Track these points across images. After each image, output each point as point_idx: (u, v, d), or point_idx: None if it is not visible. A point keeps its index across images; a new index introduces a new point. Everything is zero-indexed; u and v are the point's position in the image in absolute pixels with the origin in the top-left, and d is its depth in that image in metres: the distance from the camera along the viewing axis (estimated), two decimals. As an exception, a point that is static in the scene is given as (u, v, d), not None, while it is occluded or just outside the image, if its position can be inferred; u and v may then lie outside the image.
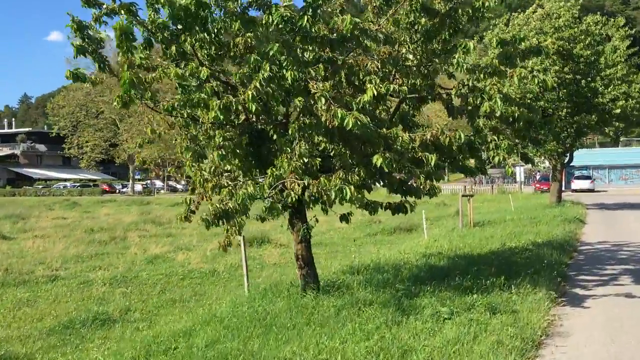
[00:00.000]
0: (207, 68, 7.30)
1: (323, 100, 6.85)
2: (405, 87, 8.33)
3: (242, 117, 8.11)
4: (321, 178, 6.95)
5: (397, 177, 8.33)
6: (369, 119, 6.86)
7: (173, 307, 11.32)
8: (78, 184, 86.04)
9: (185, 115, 8.09)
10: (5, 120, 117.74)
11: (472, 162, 10.16)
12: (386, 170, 7.03)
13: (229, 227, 7.72)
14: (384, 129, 7.39)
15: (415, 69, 8.69)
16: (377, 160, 6.81)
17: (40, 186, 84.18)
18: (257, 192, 7.22)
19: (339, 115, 6.71)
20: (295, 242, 9.68)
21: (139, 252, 19.05)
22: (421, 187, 8.34)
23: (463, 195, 22.16)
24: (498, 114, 8.61)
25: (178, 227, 27.09)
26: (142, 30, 7.39)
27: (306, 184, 6.97)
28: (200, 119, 7.95)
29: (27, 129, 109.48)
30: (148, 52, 7.50)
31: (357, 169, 7.69)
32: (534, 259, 12.38)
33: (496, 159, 8.52)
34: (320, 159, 7.60)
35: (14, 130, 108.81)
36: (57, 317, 10.65)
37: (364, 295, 9.04)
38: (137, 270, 15.48)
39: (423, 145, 7.77)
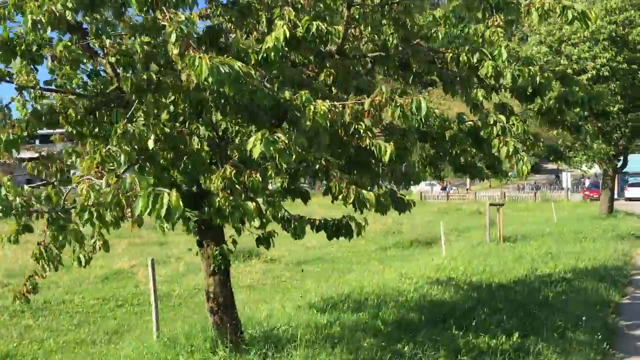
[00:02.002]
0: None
1: (173, 37, 3.74)
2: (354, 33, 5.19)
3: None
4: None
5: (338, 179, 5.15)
6: (247, 69, 3.73)
7: (71, 353, 8.41)
8: None
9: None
10: None
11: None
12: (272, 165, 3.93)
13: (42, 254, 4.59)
14: (287, 94, 4.22)
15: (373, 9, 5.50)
16: (252, 145, 3.66)
17: None
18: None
19: (195, 63, 3.60)
20: (205, 274, 6.59)
21: (104, 264, 16.30)
22: (378, 196, 5.12)
23: (491, 204, 18.65)
24: (508, 79, 5.34)
25: (178, 232, 24.49)
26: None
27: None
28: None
29: None
30: None
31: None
32: (571, 297, 8.95)
33: (503, 150, 5.25)
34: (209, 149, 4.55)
35: None
36: None
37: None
38: (76, 291, 12.71)
39: (372, 126, 4.58)
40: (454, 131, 6.40)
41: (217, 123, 5.17)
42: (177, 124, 4.38)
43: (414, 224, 29.85)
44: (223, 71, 3.55)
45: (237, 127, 4.92)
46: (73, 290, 12.78)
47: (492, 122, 5.34)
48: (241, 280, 14.57)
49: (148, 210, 3.10)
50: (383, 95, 4.13)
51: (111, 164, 3.78)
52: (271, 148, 3.63)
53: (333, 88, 5.65)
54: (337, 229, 5.44)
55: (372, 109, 4.16)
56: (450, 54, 5.61)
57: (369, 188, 5.35)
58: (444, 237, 17.16)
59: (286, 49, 4.49)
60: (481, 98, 5.68)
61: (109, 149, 3.80)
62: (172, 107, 4.27)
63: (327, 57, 5.88)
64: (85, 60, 4.71)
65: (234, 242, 6.18)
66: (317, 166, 4.83)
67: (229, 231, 6.42)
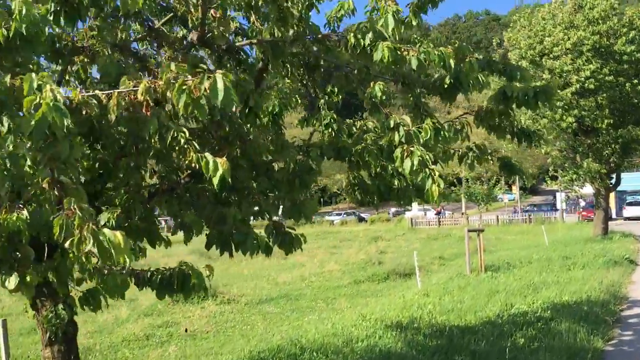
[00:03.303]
0: None
1: None
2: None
3: None
4: None
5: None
6: None
7: None
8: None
9: None
10: None
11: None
12: None
13: None
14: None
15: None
16: None
17: None
18: None
19: None
20: (42, 343, 4.99)
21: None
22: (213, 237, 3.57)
23: (469, 230, 17.00)
24: (414, 65, 3.85)
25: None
26: None
27: None
28: None
29: None
30: None
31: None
32: (544, 343, 7.34)
33: (407, 163, 3.75)
34: None
35: None
36: None
37: None
38: None
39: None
40: (366, 143, 4.97)
41: None
42: None
43: (399, 252, 28.24)
44: None
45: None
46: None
47: (392, 126, 3.83)
48: (188, 324, 12.97)
49: None
50: (165, 76, 2.62)
51: None
52: None
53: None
54: (167, 284, 3.87)
55: (149, 98, 2.64)
56: (335, 37, 4.15)
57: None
58: (418, 270, 15.53)
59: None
60: (379, 94, 4.18)
61: None
62: None
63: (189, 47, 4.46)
64: None
65: (66, 303, 4.57)
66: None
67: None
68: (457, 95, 4.35)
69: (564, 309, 9.57)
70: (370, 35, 3.82)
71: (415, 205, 64.68)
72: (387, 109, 4.19)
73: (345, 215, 61.30)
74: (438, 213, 58.35)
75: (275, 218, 4.59)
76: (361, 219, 60.80)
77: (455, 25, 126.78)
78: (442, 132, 4.08)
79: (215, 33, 4.34)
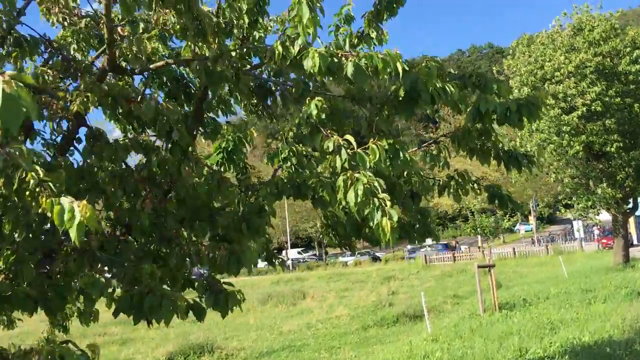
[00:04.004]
0: None
1: None
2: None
3: None
4: None
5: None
6: None
7: None
8: None
9: None
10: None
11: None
12: None
13: None
14: None
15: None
16: None
17: None
18: None
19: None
20: None
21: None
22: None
23: (479, 267, 15.97)
24: (349, 72, 3.13)
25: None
26: None
27: None
28: None
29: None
30: None
31: None
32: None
33: (350, 195, 2.98)
34: None
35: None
36: None
37: None
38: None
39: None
40: (322, 175, 4.25)
41: None
42: None
43: (412, 291, 27.07)
44: None
45: None
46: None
47: (332, 149, 3.09)
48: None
49: None
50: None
51: None
52: None
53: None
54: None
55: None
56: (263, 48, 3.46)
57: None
58: (427, 312, 14.50)
59: None
60: (314, 111, 3.44)
61: None
62: None
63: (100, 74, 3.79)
64: None
65: None
66: None
67: None
68: (416, 110, 3.59)
69: (584, 351, 8.56)
70: (299, 41, 3.12)
71: (428, 241, 63.39)
72: (328, 129, 3.45)
73: (358, 255, 59.99)
74: (453, 248, 56.80)
75: (201, 271, 3.83)
76: (375, 259, 59.42)
77: (459, 60, 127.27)
78: (401, 155, 3.32)
79: (129, 55, 3.67)
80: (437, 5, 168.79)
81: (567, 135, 21.55)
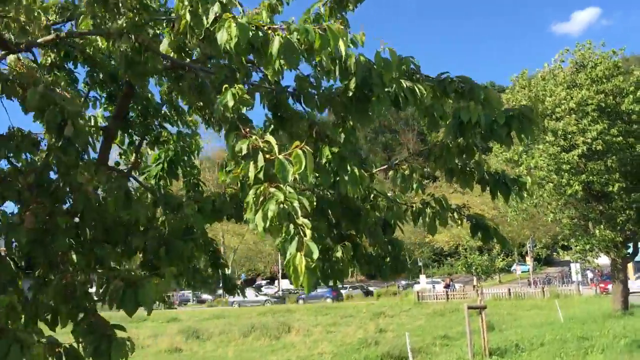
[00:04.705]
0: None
1: None
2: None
3: None
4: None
5: None
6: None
7: None
8: None
9: None
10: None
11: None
12: None
13: None
14: None
15: None
16: None
17: None
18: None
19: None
20: None
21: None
22: None
23: (470, 307, 15.01)
24: (275, 49, 2.33)
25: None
26: None
27: None
28: None
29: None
30: None
31: None
32: None
33: (258, 217, 2.14)
34: None
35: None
36: None
37: None
38: None
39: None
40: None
41: None
42: None
43: (400, 330, 25.95)
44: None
45: None
46: None
47: (246, 153, 2.28)
48: None
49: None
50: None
51: None
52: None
53: None
54: None
55: None
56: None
57: None
58: (412, 356, 13.51)
59: None
60: (230, 102, 2.62)
61: None
62: None
63: None
64: None
65: None
66: None
67: None
68: (374, 112, 2.80)
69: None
70: (215, 8, 2.33)
71: (423, 277, 61.90)
72: (247, 128, 2.65)
73: (350, 289, 58.63)
74: (447, 286, 55.50)
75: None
76: (367, 293, 58.08)
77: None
78: (348, 168, 2.50)
79: (14, 27, 2.89)
80: (438, 41, 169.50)
81: (566, 173, 20.80)
